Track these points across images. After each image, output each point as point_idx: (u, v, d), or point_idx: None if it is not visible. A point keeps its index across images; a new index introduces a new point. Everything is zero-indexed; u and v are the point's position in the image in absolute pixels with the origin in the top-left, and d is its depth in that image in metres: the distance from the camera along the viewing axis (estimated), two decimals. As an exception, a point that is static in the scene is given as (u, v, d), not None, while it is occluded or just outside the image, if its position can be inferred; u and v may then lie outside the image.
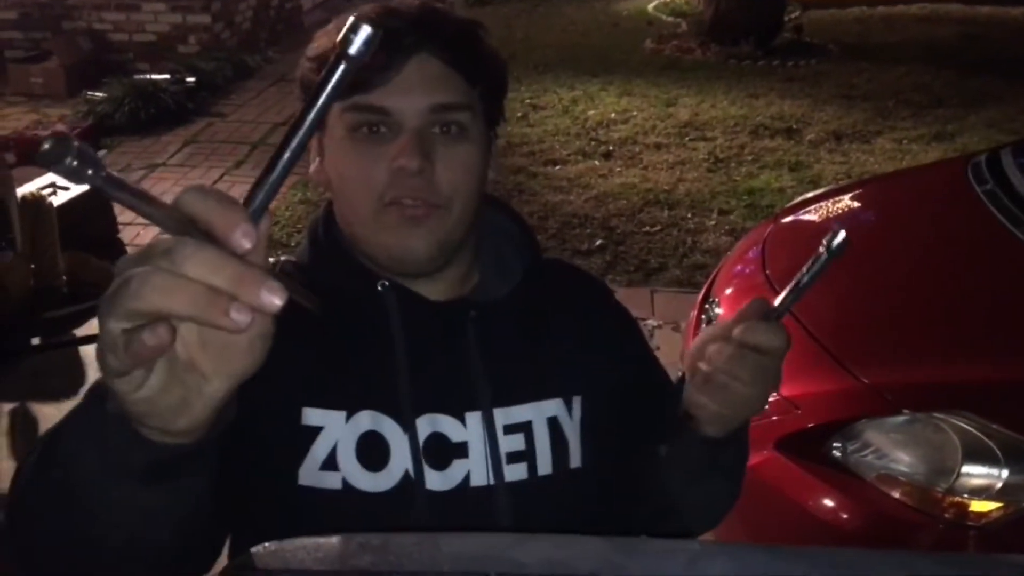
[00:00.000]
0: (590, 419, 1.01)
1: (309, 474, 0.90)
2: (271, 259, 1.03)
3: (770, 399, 0.86)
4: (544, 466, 0.96)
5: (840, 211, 2.99)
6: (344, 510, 0.89)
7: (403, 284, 0.97)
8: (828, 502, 2.05)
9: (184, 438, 0.57)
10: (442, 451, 0.93)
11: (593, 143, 6.05)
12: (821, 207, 3.02)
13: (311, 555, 0.55)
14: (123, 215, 4.94)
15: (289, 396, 0.91)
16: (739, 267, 2.78)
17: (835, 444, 2.05)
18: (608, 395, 1.02)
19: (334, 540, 0.57)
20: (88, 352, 3.82)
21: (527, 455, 0.95)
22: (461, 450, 0.94)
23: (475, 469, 0.93)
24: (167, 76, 6.77)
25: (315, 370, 0.93)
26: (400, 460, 0.92)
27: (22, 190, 4.07)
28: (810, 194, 3.38)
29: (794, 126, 6.32)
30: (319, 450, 0.90)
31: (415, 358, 0.94)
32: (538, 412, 0.97)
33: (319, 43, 0.94)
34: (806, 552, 0.54)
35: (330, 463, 0.90)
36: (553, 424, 0.98)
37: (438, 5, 0.95)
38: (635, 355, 1.10)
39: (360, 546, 0.56)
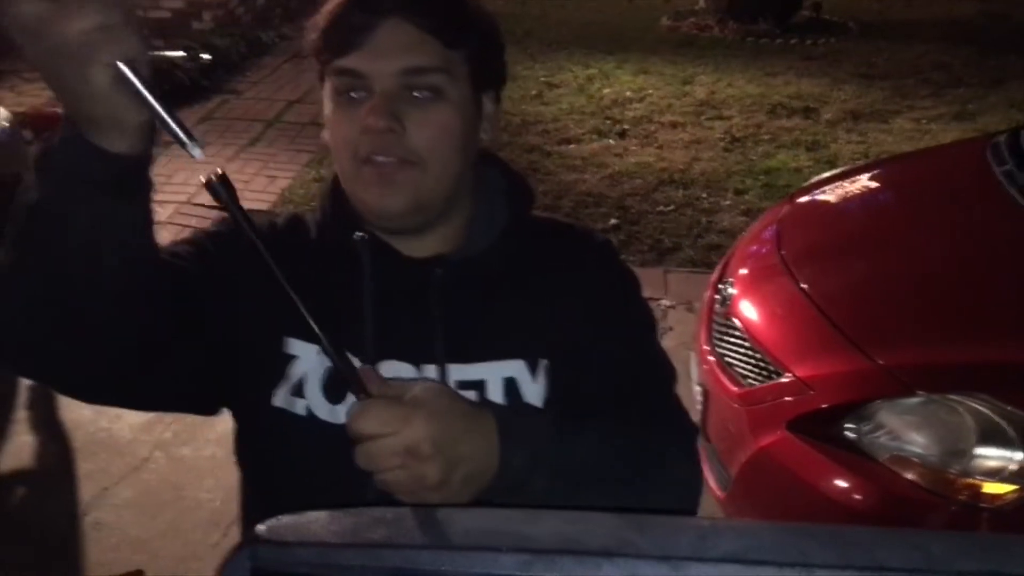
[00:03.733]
0: (555, 384, 1.00)
1: (282, 397, 0.98)
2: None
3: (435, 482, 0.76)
4: None
5: (857, 191, 2.97)
6: (307, 435, 0.97)
7: (381, 238, 1.01)
8: (840, 483, 2.05)
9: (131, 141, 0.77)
10: None
11: (608, 122, 6.02)
12: (838, 187, 3.00)
13: (326, 528, 0.56)
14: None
15: (275, 323, 0.99)
16: (754, 247, 2.77)
17: (848, 425, 2.05)
18: (573, 362, 0.99)
19: (349, 514, 0.58)
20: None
21: None
22: None
23: None
24: (182, 53, 6.77)
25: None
26: None
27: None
28: (827, 174, 3.36)
29: (811, 105, 6.26)
30: (292, 377, 0.99)
31: (381, 307, 0.99)
32: (494, 372, 0.98)
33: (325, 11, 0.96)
34: (815, 530, 0.55)
35: (298, 390, 0.98)
36: (510, 385, 0.98)
37: None
38: (607, 324, 1.03)
39: (374, 520, 0.57)
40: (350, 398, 0.93)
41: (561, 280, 1.04)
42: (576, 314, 1.01)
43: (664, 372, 1.07)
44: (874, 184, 3.04)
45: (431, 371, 0.98)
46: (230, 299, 0.99)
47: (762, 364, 2.28)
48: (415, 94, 0.93)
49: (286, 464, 0.99)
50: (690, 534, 0.56)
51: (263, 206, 4.84)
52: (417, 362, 0.98)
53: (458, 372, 0.98)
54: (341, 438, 0.92)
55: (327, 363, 0.97)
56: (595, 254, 1.09)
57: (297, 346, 1.00)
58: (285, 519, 0.57)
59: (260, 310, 0.98)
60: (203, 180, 0.78)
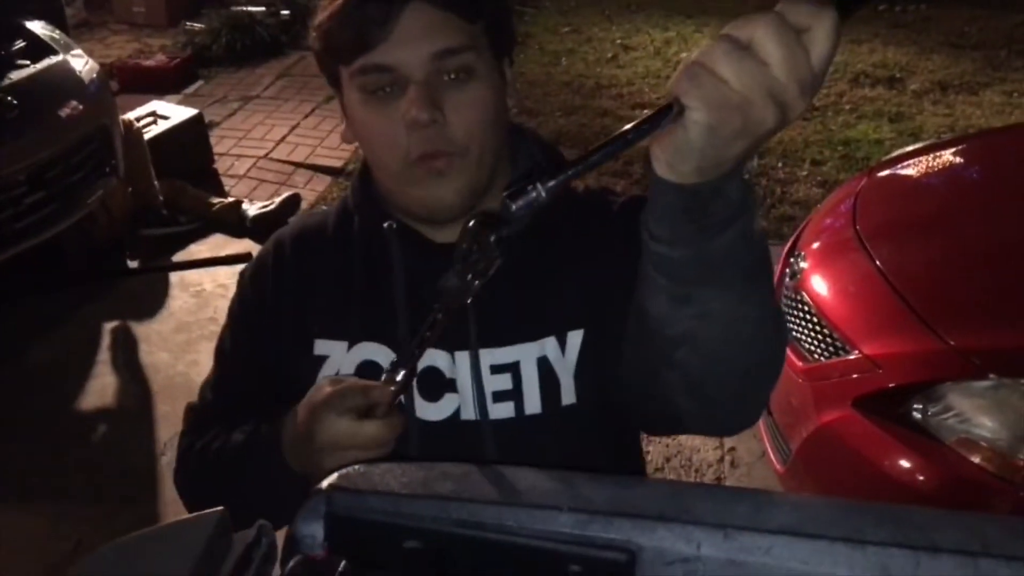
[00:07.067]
0: (591, 350, 0.98)
1: None
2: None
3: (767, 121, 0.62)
4: (532, 405, 0.98)
5: (940, 166, 2.88)
6: None
7: (411, 225, 1.02)
8: (905, 463, 2.02)
9: None
10: (435, 384, 1.00)
11: (684, 87, 5.92)
12: (920, 162, 2.92)
13: (397, 479, 0.59)
14: (218, 146, 5.09)
15: (305, 329, 1.03)
16: (828, 220, 2.72)
17: (916, 406, 2.02)
18: (618, 317, 0.91)
19: (419, 467, 0.61)
20: (180, 277, 4.00)
21: (513, 394, 0.98)
22: (452, 385, 1.00)
23: (464, 404, 0.99)
24: (263, 8, 6.87)
25: (327, 304, 1.03)
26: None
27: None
28: (910, 147, 3.26)
29: (897, 75, 6.06)
30: (324, 376, 1.00)
31: (413, 295, 1.00)
32: (526, 353, 0.98)
33: (322, 13, 0.96)
34: (871, 507, 0.56)
35: None
36: (543, 364, 0.98)
37: None
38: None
39: (442, 474, 0.60)
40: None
41: (590, 241, 1.02)
42: (610, 267, 0.96)
43: None
44: (959, 160, 2.94)
45: (463, 357, 0.99)
46: (279, 338, 1.05)
47: (829, 340, 2.25)
48: (446, 77, 0.91)
49: None
50: (746, 504, 0.58)
51: (337, 163, 4.92)
52: (451, 348, 0.99)
53: (490, 356, 0.98)
54: None
55: (359, 359, 1.01)
56: (620, 207, 1.05)
57: (325, 346, 1.02)
58: (359, 468, 0.61)
59: (292, 322, 1.04)
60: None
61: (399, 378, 0.85)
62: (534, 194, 0.66)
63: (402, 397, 0.97)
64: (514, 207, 0.66)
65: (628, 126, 0.65)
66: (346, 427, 0.85)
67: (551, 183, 0.66)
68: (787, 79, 0.61)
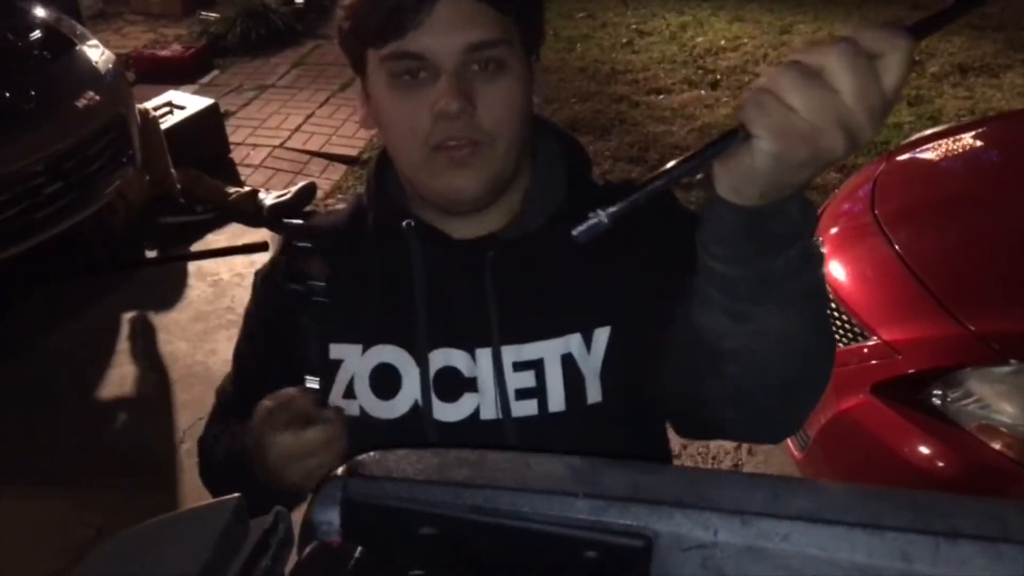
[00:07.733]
0: (618, 348, 0.96)
1: (335, 402, 1.01)
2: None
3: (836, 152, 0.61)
4: (556, 403, 0.96)
5: (960, 150, 2.85)
6: (363, 435, 0.96)
7: (430, 222, 1.00)
8: (924, 449, 2.01)
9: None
10: (454, 384, 0.98)
11: (700, 72, 5.88)
12: (940, 145, 2.88)
13: (412, 466, 0.59)
14: (234, 136, 5.10)
15: (320, 334, 1.02)
16: (847, 205, 2.69)
17: (935, 392, 2.01)
18: (647, 316, 0.91)
19: (435, 453, 0.61)
20: (198, 266, 4.02)
21: (537, 392, 0.96)
22: (472, 384, 0.98)
23: (484, 403, 0.98)
24: (278, -4, 6.87)
25: (341, 307, 1.02)
26: (410, 390, 0.99)
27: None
28: (929, 131, 3.22)
29: (917, 57, 5.91)
30: (340, 381, 1.01)
31: (432, 295, 0.99)
32: (550, 350, 0.96)
33: None
34: (891, 494, 0.55)
35: (349, 392, 1.01)
36: (567, 361, 0.96)
37: None
38: (674, 265, 0.88)
39: (457, 460, 0.60)
40: (403, 394, 0.99)
41: (619, 239, 0.99)
42: (639, 267, 0.96)
43: None
44: (979, 143, 2.90)
45: (485, 355, 0.97)
46: (292, 343, 1.04)
47: (848, 326, 2.24)
48: (476, 67, 0.89)
49: None
50: (764, 490, 0.57)
51: (352, 151, 4.92)
52: (471, 348, 0.98)
53: (513, 354, 0.97)
54: (397, 432, 0.99)
55: (374, 362, 1.00)
56: (653, 204, 1.03)
57: (339, 350, 1.02)
58: (374, 455, 0.61)
59: (307, 327, 1.03)
60: None
61: (316, 384, 0.94)
62: (595, 220, 0.66)
63: (419, 399, 0.98)
64: (576, 234, 0.67)
65: (693, 151, 0.66)
66: (288, 440, 0.91)
67: (613, 210, 0.66)
68: (858, 107, 0.59)
